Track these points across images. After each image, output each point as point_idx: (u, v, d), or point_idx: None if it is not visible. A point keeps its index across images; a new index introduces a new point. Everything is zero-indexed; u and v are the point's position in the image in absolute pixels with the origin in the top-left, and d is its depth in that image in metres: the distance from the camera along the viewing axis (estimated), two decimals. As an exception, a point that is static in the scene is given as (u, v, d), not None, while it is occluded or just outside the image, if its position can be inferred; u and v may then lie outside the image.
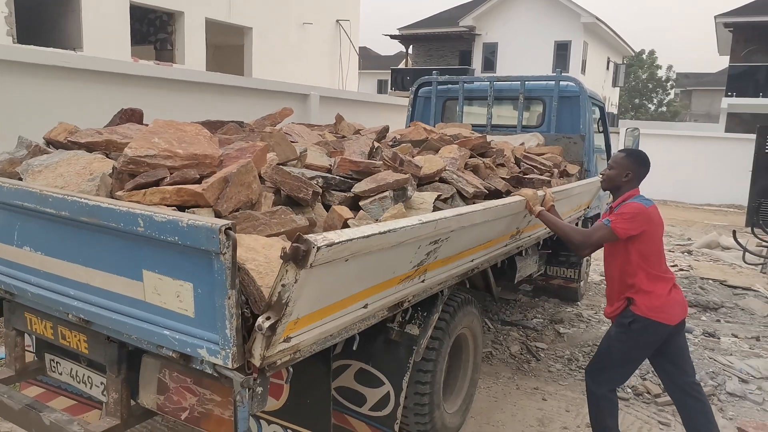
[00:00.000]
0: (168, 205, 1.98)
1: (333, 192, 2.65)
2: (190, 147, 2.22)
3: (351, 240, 1.79)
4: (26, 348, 2.81)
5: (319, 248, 1.64)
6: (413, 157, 3.36)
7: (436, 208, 2.79)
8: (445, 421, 3.39)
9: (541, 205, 3.40)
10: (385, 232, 1.95)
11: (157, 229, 1.77)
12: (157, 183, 2.08)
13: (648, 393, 4.31)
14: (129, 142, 2.21)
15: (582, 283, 6.69)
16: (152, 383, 2.06)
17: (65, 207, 1.97)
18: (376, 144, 3.24)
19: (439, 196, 2.95)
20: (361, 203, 2.54)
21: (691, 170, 17.13)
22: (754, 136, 13.12)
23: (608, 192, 3.56)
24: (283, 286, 1.67)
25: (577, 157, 5.68)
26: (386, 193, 2.52)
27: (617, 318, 3.16)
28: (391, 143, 3.87)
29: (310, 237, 1.65)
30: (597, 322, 5.88)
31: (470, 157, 3.88)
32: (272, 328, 1.68)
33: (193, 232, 1.69)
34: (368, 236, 1.87)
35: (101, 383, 2.36)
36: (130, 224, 1.81)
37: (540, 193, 3.49)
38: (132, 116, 2.95)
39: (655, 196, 18.22)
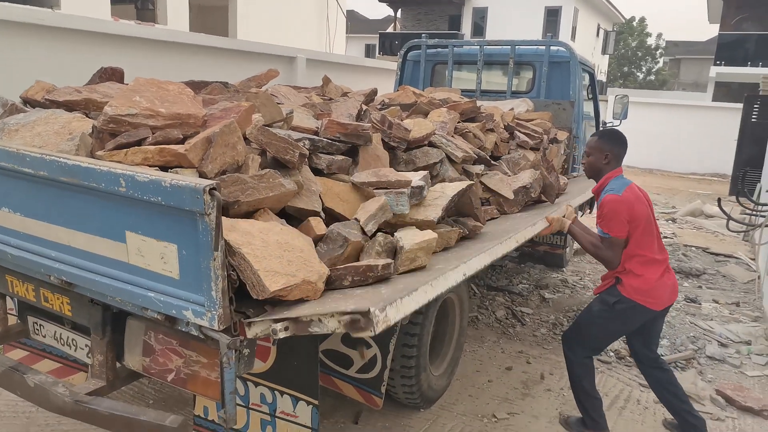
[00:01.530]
0: (150, 166, 1.93)
1: (320, 155, 2.60)
2: (172, 106, 2.16)
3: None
4: (9, 311, 2.78)
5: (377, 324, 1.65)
6: (402, 120, 3.31)
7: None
8: (431, 383, 3.44)
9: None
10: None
11: (139, 189, 1.73)
12: (138, 143, 2.02)
13: (630, 357, 4.40)
14: (109, 101, 2.14)
15: (568, 249, 6.75)
16: (138, 345, 2.05)
17: (44, 166, 1.92)
18: (364, 107, 3.18)
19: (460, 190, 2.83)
20: (375, 191, 2.51)
21: (677, 139, 17.19)
22: (740, 106, 13.15)
23: None
24: None
25: (566, 123, 5.65)
26: (405, 190, 2.49)
27: (602, 294, 3.15)
28: (379, 106, 3.81)
29: (371, 313, 1.65)
30: (582, 288, 5.95)
31: (459, 122, 3.84)
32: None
33: (177, 193, 1.65)
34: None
35: (86, 345, 2.34)
36: (112, 184, 1.77)
37: (560, 211, 3.43)
38: (112, 75, 2.86)
39: (641, 165, 18.39)
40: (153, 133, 2.06)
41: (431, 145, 3.21)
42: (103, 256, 1.96)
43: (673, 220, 10.19)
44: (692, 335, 4.82)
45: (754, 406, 3.73)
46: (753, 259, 7.41)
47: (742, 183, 7.41)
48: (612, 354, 4.38)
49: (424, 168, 3.05)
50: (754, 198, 7.49)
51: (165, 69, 5.35)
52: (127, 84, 2.47)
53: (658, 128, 17.02)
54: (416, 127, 3.18)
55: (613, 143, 3.15)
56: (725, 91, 21.34)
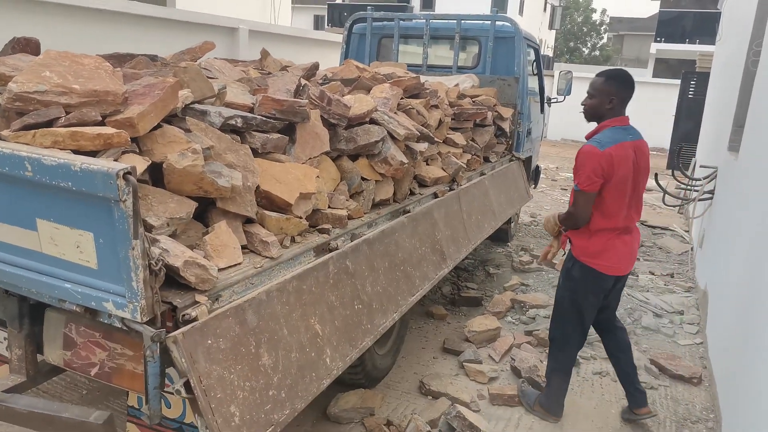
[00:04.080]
0: (62, 150, 1.78)
1: (254, 133, 2.49)
2: (88, 82, 1.99)
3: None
4: None
5: None
6: (343, 96, 3.21)
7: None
8: (375, 362, 3.43)
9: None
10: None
11: (47, 174, 1.59)
12: (49, 123, 1.86)
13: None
14: (15, 76, 1.96)
15: (513, 224, 6.85)
16: (57, 338, 1.92)
17: (-60, 148, 1.75)
18: (304, 81, 3.07)
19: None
20: None
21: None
22: (679, 81, 13.58)
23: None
24: None
25: (511, 99, 5.67)
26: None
27: (564, 263, 3.18)
28: (320, 81, 3.70)
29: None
30: (527, 263, 6.05)
31: (403, 98, 3.77)
32: None
33: (88, 178, 1.53)
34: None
35: (4, 339, 2.19)
36: (17, 168, 1.63)
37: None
38: (26, 46, 2.64)
39: (583, 140, 18.76)
40: (66, 113, 1.91)
41: (373, 122, 3.14)
42: (13, 245, 1.82)
43: (614, 194, 10.49)
44: (629, 307, 4.99)
45: (685, 374, 3.90)
46: (687, 231, 7.73)
47: (678, 158, 7.67)
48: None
49: (364, 147, 2.98)
50: (689, 173, 7.78)
51: (92, 40, 5.03)
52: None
53: (602, 103, 17.39)
54: (357, 103, 3.09)
55: (620, 85, 2.90)
56: (665, 67, 22.03)
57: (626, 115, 2.99)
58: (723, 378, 3.58)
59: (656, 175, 6.65)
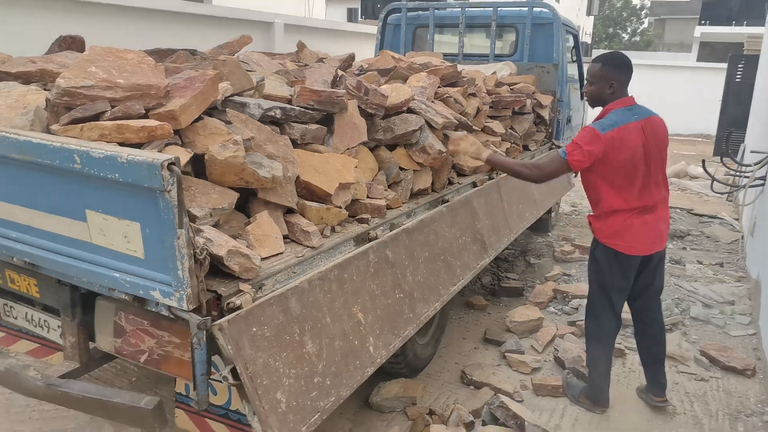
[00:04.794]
0: (109, 142, 1.82)
1: (293, 124, 2.50)
2: (132, 77, 2.04)
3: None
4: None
5: None
6: (380, 86, 3.20)
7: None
8: (417, 352, 3.42)
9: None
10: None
11: (95, 166, 1.63)
12: (96, 117, 1.91)
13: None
14: (63, 72, 2.01)
15: (553, 214, 6.73)
16: (108, 326, 1.97)
17: (-6, 143, 1.81)
18: (340, 72, 3.07)
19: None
20: None
21: (661, 100, 17.01)
22: (725, 65, 13.07)
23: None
24: None
25: (549, 87, 5.56)
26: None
27: (591, 245, 3.13)
28: (356, 72, 3.69)
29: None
30: (568, 252, 5.93)
31: (440, 87, 3.73)
32: None
33: (134, 169, 1.56)
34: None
35: (58, 327, 2.26)
36: (66, 161, 1.67)
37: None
38: (72, 44, 2.72)
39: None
40: (112, 107, 1.95)
41: (410, 111, 3.11)
42: (64, 236, 1.87)
43: (658, 182, 10.19)
44: (677, 297, 4.84)
45: (738, 365, 3.76)
46: (737, 220, 7.45)
47: (726, 144, 7.38)
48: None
49: (402, 136, 2.96)
50: (738, 159, 7.48)
51: (132, 37, 5.14)
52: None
53: (643, 90, 16.74)
54: (394, 92, 3.07)
55: (618, 69, 2.85)
56: (710, 51, 21.23)
57: (630, 95, 2.91)
58: (779, 370, 3.44)
59: (703, 161, 6.42)
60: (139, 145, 1.88)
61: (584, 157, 2.76)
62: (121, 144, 1.81)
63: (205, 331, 1.68)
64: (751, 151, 6.01)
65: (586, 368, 3.48)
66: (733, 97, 12.36)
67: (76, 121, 1.87)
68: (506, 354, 3.82)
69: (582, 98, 7.05)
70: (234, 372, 1.66)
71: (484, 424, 3.07)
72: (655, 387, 3.30)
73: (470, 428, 3.02)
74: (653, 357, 3.25)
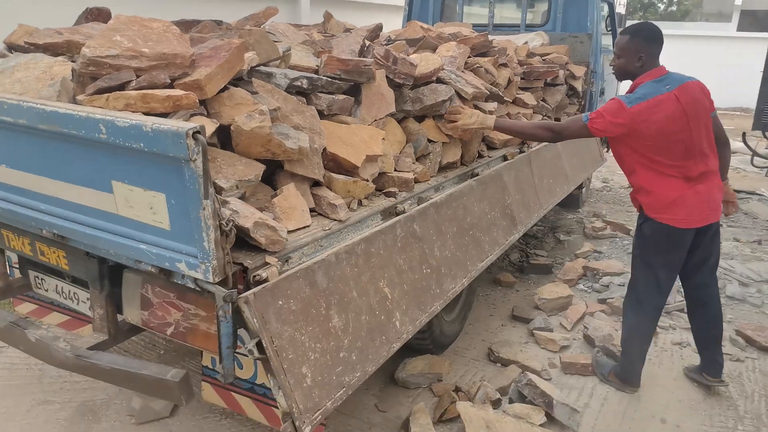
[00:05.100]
0: (134, 112, 1.79)
1: (320, 95, 2.44)
2: (157, 46, 2.00)
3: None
4: (14, 264, 2.74)
5: None
6: (408, 55, 3.11)
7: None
8: (443, 328, 3.38)
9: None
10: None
11: (120, 135, 1.60)
12: (121, 87, 1.88)
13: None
14: (87, 42, 1.98)
15: (584, 189, 6.57)
16: (135, 299, 1.98)
17: (21, 114, 1.80)
18: (368, 42, 2.99)
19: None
20: None
21: (699, 72, 16.44)
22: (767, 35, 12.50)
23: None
24: None
25: (583, 57, 5.38)
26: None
27: (637, 220, 3.00)
28: (384, 42, 3.60)
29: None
30: (599, 229, 5.80)
31: (470, 57, 3.62)
32: None
33: (159, 138, 1.53)
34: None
35: (87, 299, 2.28)
36: (92, 131, 1.65)
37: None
38: (98, 15, 2.69)
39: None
40: (137, 77, 1.92)
41: (440, 81, 3.03)
42: (92, 208, 1.86)
43: (694, 158, 9.88)
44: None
45: (775, 345, 3.64)
46: (778, 195, 7.18)
47: (767, 117, 7.08)
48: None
49: (431, 107, 2.88)
50: (781, 132, 7.18)
51: (156, 9, 5.10)
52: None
53: (681, 61, 16.17)
54: (423, 62, 2.98)
55: (647, 41, 2.72)
56: (751, 20, 20.31)
57: (661, 65, 2.76)
58: (820, 351, 3.32)
59: (744, 134, 6.17)
60: (164, 115, 1.85)
61: (605, 127, 2.66)
62: (147, 114, 1.78)
63: (231, 304, 1.66)
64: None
65: (620, 347, 3.41)
66: (776, 67, 11.81)
67: (101, 91, 1.85)
68: (534, 331, 3.76)
69: (615, 70, 6.81)
70: (259, 346, 1.64)
71: (511, 401, 3.03)
72: (712, 367, 3.17)
73: (497, 405, 2.98)
74: (712, 336, 3.13)
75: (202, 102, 2.05)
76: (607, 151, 7.07)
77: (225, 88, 2.10)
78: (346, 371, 1.90)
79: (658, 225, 2.81)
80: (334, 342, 1.88)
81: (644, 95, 2.65)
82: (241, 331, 1.78)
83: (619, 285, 4.46)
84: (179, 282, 1.80)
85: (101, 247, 1.89)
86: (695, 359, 3.52)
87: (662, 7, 40.95)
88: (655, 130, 2.63)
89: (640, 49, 2.72)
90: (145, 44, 1.99)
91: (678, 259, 2.91)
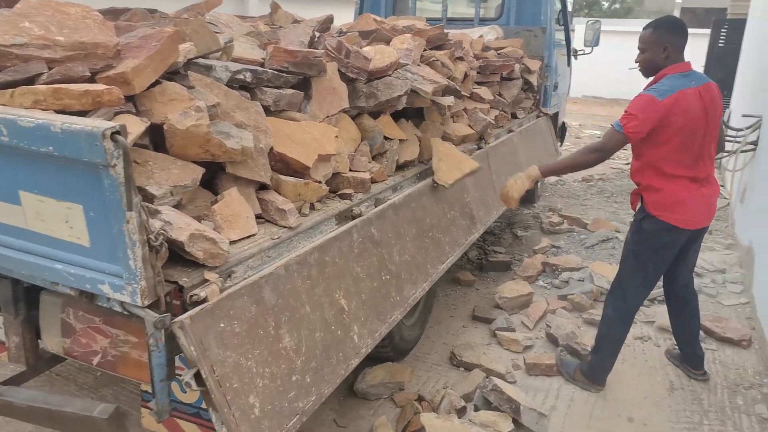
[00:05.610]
0: (44, 110, 1.54)
1: (265, 89, 2.23)
2: (74, 34, 1.75)
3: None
4: None
5: None
6: (362, 48, 2.92)
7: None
8: (403, 334, 3.23)
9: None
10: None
11: (25, 137, 1.36)
12: (31, 81, 1.63)
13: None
14: (-9, 28, 1.71)
15: (539, 184, 6.55)
16: (55, 324, 1.73)
17: None
18: (318, 33, 2.79)
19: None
20: None
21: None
22: (707, 31, 12.87)
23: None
24: None
25: (537, 51, 5.32)
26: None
27: (635, 216, 2.95)
28: (336, 34, 3.40)
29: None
30: (556, 224, 5.77)
31: (426, 50, 3.46)
32: None
33: (70, 140, 1.30)
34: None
35: (1, 325, 2.01)
36: (-10, 133, 1.40)
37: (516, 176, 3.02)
38: (12, 2, 2.39)
39: (607, 95, 18.18)
40: (50, 69, 1.67)
41: (395, 76, 2.85)
42: (-2, 222, 1.61)
43: (642, 150, 10.08)
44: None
45: (733, 336, 3.65)
46: (722, 186, 7.35)
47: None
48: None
49: (387, 102, 2.70)
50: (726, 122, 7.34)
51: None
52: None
53: (624, 57, 16.57)
54: (378, 55, 2.80)
55: (672, 32, 2.68)
56: (691, 17, 21.06)
57: (687, 61, 2.72)
58: (778, 341, 3.33)
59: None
60: (83, 114, 1.61)
61: (640, 126, 2.58)
62: (60, 112, 1.53)
63: (163, 330, 1.44)
64: (744, 115, 5.85)
65: (583, 345, 3.35)
66: (716, 62, 12.16)
67: (5, 86, 1.59)
68: (496, 332, 3.66)
69: (569, 64, 6.82)
70: (198, 376, 1.44)
71: (476, 409, 2.90)
72: (693, 360, 3.24)
73: (462, 414, 2.85)
74: (692, 331, 3.18)
75: (130, 98, 1.81)
76: (561, 146, 7.08)
77: (157, 83, 1.86)
78: (299, 396, 1.71)
79: (662, 223, 2.77)
80: (286, 365, 1.69)
81: (672, 87, 2.60)
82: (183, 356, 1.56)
83: (578, 280, 4.42)
84: (105, 305, 1.57)
85: (11, 267, 1.64)
86: (659, 354, 3.51)
87: (606, 4, 42.08)
88: (683, 123, 2.60)
89: (665, 40, 2.67)
90: (59, 32, 1.73)
91: (670, 257, 2.90)
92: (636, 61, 2.80)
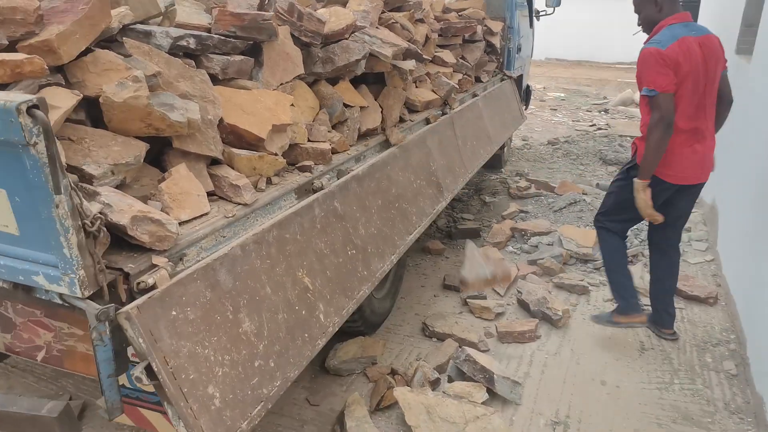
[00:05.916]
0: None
1: (212, 56, 2.07)
2: (-12, -3, 1.57)
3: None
4: None
5: None
6: (316, 11, 2.76)
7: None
8: (374, 307, 3.17)
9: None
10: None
11: (-70, 115, 1.20)
12: (-61, 51, 1.45)
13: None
14: None
15: (506, 149, 6.50)
16: (-8, 320, 1.59)
17: None
18: (268, -4, 2.61)
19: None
20: None
21: (603, 29, 16.93)
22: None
23: None
24: None
25: (498, 12, 5.20)
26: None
27: (624, 164, 3.01)
28: (288, -2, 3.21)
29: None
30: (524, 188, 5.75)
31: (384, 12, 3.31)
32: None
33: (-19, 116, 1.14)
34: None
35: (-64, 321, 1.85)
36: None
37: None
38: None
39: (570, 57, 18.19)
40: (-38, 37, 1.49)
41: (353, 39, 2.71)
42: None
43: (606, 111, 10.14)
44: (636, 228, 4.74)
45: (700, 294, 3.69)
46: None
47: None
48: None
49: (344, 67, 2.57)
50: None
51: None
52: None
53: (586, 18, 16.66)
54: (333, 17, 2.65)
55: None
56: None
57: (685, 11, 2.71)
58: (742, 296, 3.37)
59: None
60: (3, 88, 1.45)
61: (666, 80, 2.56)
62: (-25, 86, 1.37)
63: (108, 322, 1.32)
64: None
65: (555, 310, 3.35)
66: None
67: None
68: (468, 300, 3.62)
69: (531, 26, 6.71)
70: (150, 370, 1.32)
71: (450, 380, 2.87)
72: (665, 319, 3.25)
73: (436, 386, 2.81)
74: (666, 288, 3.19)
75: (59, 69, 1.65)
76: (525, 109, 7.03)
77: (88, 51, 1.70)
78: (263, 382, 1.61)
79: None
80: (247, 350, 1.59)
81: (674, 35, 2.60)
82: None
83: (548, 245, 4.41)
84: (43, 297, 1.44)
85: (-67, 260, 1.48)
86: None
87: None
88: (689, 68, 2.58)
89: None
90: (-29, -4, 1.55)
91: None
92: (638, 24, 2.83)
